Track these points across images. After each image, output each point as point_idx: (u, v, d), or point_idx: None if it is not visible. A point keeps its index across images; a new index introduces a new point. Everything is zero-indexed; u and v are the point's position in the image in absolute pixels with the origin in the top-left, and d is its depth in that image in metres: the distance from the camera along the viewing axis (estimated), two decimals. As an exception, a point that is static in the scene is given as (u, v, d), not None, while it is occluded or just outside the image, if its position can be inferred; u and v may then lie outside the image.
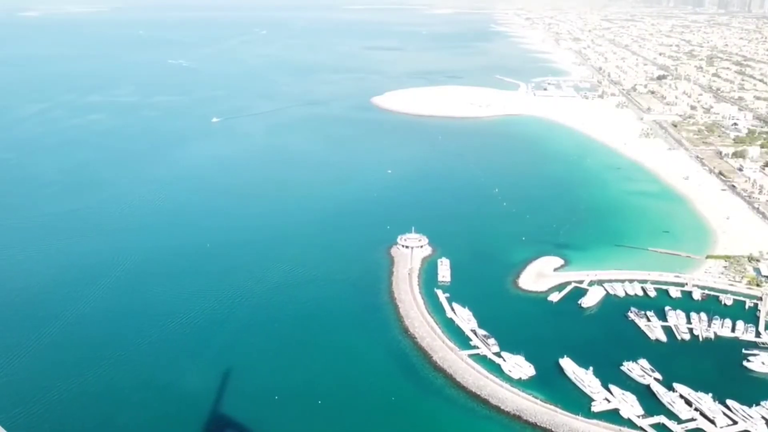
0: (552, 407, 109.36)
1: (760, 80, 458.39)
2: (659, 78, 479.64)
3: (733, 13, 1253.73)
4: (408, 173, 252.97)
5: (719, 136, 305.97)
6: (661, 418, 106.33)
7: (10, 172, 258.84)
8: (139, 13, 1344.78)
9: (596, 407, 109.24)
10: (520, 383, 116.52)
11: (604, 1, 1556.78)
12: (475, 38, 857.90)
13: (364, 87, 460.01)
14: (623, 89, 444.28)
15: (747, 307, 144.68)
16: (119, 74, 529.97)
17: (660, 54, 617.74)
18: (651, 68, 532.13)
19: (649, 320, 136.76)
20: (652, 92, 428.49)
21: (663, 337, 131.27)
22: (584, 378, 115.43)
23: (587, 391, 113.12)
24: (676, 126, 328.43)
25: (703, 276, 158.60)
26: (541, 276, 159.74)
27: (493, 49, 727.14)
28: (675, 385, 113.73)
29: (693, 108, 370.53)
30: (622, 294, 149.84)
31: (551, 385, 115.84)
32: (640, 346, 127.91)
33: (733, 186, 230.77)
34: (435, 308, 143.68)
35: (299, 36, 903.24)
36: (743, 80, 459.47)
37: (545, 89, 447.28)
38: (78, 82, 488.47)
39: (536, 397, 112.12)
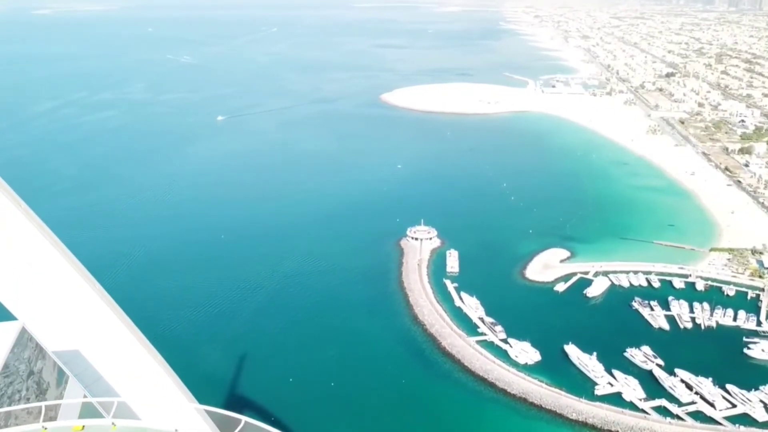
0: (557, 390, 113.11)
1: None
2: (667, 75, 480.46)
3: (743, 11, 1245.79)
4: (417, 168, 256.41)
5: (726, 133, 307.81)
6: (663, 401, 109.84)
7: (25, 168, 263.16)
8: (148, 11, 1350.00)
9: (599, 391, 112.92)
10: (526, 368, 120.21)
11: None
12: (483, 36, 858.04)
13: (372, 84, 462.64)
14: (631, 86, 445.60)
15: (749, 297, 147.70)
16: (129, 72, 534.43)
17: (669, 52, 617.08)
18: (660, 66, 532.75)
19: (652, 309, 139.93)
20: (660, 89, 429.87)
21: (666, 326, 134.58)
22: (588, 363, 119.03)
23: (591, 375, 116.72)
24: (683, 123, 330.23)
25: (707, 268, 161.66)
26: (547, 267, 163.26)
27: (501, 47, 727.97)
28: (676, 370, 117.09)
29: (701, 105, 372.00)
30: (626, 285, 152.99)
31: (556, 369, 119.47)
32: (643, 333, 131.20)
33: (739, 181, 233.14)
34: (444, 297, 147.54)
35: (307, 34, 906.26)
36: (752, 77, 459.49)
37: (554, 86, 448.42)
38: (89, 79, 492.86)
39: (541, 381, 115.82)
